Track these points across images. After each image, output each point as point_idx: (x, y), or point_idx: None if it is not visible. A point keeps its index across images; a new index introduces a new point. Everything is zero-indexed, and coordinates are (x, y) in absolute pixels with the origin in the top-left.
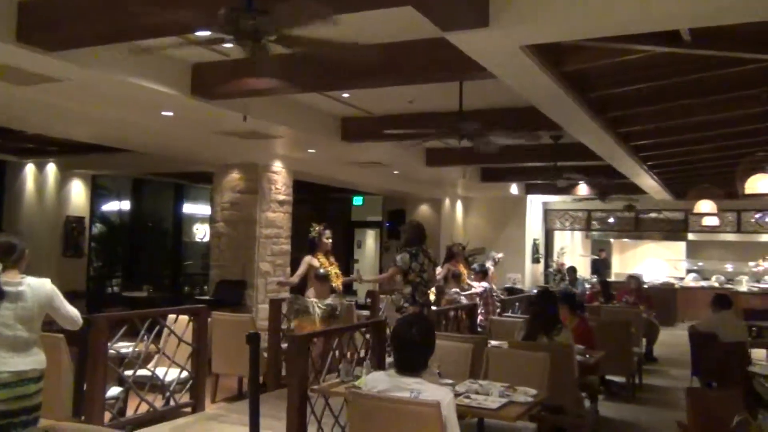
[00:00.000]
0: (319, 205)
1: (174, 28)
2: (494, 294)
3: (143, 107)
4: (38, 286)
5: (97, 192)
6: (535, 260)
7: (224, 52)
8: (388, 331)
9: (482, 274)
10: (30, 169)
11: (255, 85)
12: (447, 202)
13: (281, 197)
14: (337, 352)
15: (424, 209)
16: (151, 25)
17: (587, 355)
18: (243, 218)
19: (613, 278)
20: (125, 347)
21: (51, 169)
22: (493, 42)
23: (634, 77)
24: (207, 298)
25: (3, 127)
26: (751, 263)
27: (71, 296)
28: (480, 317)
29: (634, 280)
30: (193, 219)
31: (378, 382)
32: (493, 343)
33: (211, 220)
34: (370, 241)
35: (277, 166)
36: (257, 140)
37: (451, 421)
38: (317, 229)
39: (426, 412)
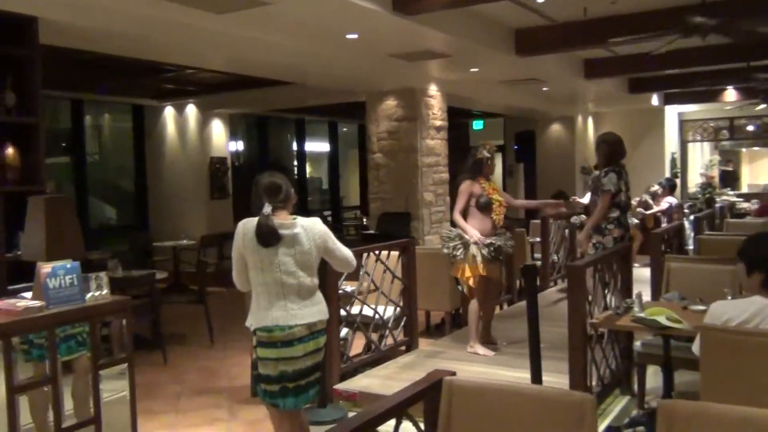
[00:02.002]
0: None
1: None
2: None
3: (329, 32)
4: (311, 226)
5: (233, 131)
6: (674, 175)
7: None
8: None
9: (670, 189)
10: (169, 112)
11: None
12: (579, 119)
13: (438, 123)
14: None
15: (555, 128)
16: None
17: None
18: (403, 147)
19: (746, 189)
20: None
21: (191, 110)
22: None
23: None
24: (372, 232)
25: (142, 68)
26: None
27: (220, 239)
28: None
29: None
30: (313, 155)
31: (734, 309)
32: None
33: (367, 150)
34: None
35: (433, 89)
36: (418, 62)
37: None
38: (487, 147)
39: None
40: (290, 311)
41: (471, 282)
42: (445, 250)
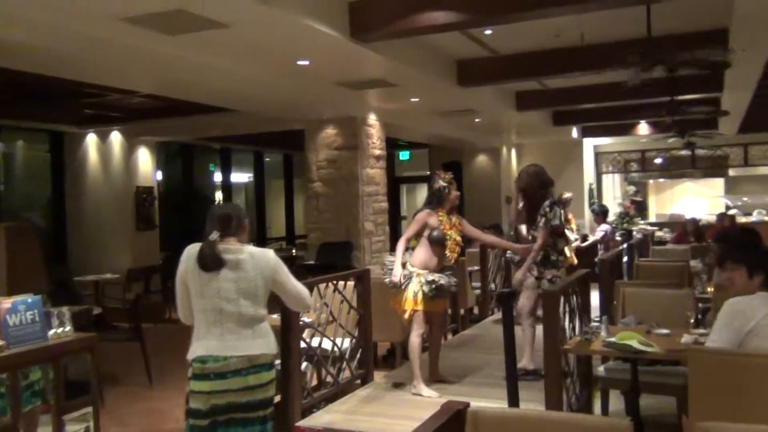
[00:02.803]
0: None
1: None
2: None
3: (281, 57)
4: (260, 255)
5: (160, 159)
6: (591, 205)
7: None
8: None
9: (603, 216)
10: (92, 139)
11: (429, 20)
12: (504, 150)
13: (377, 152)
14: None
15: (482, 159)
16: None
17: None
18: (343, 176)
19: (654, 218)
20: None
21: (116, 137)
22: None
23: None
24: (312, 262)
25: (62, 91)
26: None
27: (148, 272)
28: None
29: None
30: (235, 185)
31: (749, 305)
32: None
33: (307, 180)
34: (420, 196)
35: (372, 118)
36: (359, 90)
37: None
38: (441, 176)
39: None
40: (227, 341)
41: (406, 316)
42: (387, 279)
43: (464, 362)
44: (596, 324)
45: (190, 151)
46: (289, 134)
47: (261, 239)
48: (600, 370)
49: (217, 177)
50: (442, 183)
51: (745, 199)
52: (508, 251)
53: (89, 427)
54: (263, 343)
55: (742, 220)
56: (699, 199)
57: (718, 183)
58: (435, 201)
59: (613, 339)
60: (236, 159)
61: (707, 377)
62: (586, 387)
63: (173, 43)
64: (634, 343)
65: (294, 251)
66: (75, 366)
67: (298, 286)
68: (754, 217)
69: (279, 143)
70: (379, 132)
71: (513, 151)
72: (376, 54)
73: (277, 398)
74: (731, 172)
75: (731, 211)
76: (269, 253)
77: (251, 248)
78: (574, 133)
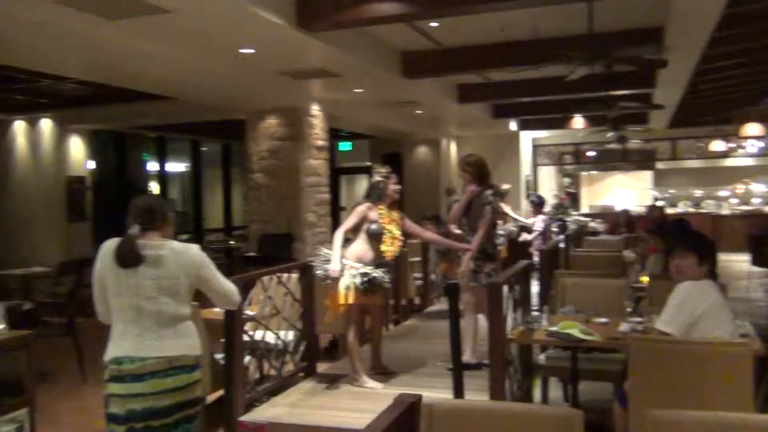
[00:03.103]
0: None
1: None
2: (552, 227)
3: (224, 45)
4: (183, 251)
5: (93, 148)
6: (528, 196)
7: None
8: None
9: (539, 206)
10: (20, 126)
11: (377, 11)
12: (444, 142)
13: (320, 142)
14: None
15: (422, 150)
16: None
17: None
18: (285, 167)
19: (587, 209)
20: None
21: (46, 125)
22: None
23: None
24: (253, 254)
25: None
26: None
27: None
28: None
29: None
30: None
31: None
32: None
33: (248, 170)
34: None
35: (315, 109)
36: (303, 80)
37: None
38: (383, 171)
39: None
40: (145, 341)
41: (342, 310)
42: (318, 271)
43: (406, 353)
44: (536, 314)
45: (124, 140)
46: (227, 123)
47: (198, 230)
48: (541, 358)
49: (152, 166)
50: (378, 177)
51: (672, 191)
52: None
53: (22, 427)
54: (185, 343)
55: (668, 211)
56: (629, 191)
57: (647, 175)
58: (374, 195)
59: (555, 328)
60: (172, 148)
61: (648, 365)
62: (527, 376)
63: (112, 28)
64: (576, 332)
65: (232, 242)
66: (3, 364)
67: (225, 284)
68: (680, 208)
69: (217, 132)
70: (322, 123)
71: (453, 143)
72: (322, 44)
73: (219, 393)
74: (659, 165)
75: (659, 203)
76: (193, 249)
77: (174, 243)
78: (513, 125)
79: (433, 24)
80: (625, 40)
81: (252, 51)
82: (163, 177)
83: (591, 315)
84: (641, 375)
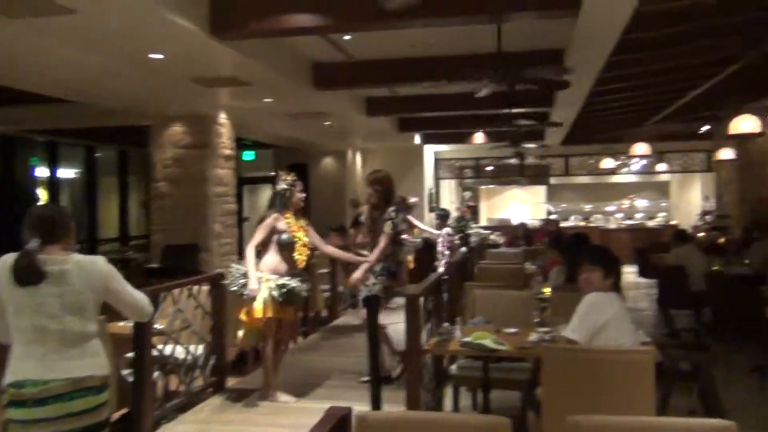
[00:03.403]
0: None
1: None
2: (455, 240)
3: (132, 49)
4: (88, 264)
5: None
6: (431, 209)
7: None
8: None
9: (443, 219)
10: None
11: (294, 22)
12: (350, 153)
13: (227, 152)
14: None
15: (328, 162)
16: None
17: None
18: (191, 175)
19: (485, 222)
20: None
21: None
22: None
23: None
24: (156, 266)
25: None
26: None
27: None
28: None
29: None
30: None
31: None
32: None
33: (152, 179)
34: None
35: (222, 117)
36: (211, 88)
37: None
38: (288, 179)
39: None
40: (48, 363)
41: (258, 324)
42: (233, 288)
43: (317, 365)
44: (447, 324)
45: (11, 145)
46: (124, 129)
47: (91, 240)
48: (453, 368)
49: (42, 172)
50: (284, 185)
51: (564, 205)
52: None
53: None
54: (91, 363)
55: (561, 224)
56: (524, 205)
57: (541, 190)
58: (279, 203)
59: (468, 339)
60: (63, 154)
61: (560, 372)
62: (440, 385)
63: (11, 26)
64: (489, 342)
65: (130, 253)
66: None
67: (136, 294)
68: (571, 222)
69: (113, 138)
70: (230, 131)
71: (358, 155)
72: (235, 52)
73: (124, 411)
74: (552, 181)
75: (552, 216)
76: (99, 261)
77: (78, 257)
78: (417, 139)
79: (347, 37)
80: (530, 61)
81: (161, 56)
82: (53, 184)
83: (500, 325)
84: (553, 382)
